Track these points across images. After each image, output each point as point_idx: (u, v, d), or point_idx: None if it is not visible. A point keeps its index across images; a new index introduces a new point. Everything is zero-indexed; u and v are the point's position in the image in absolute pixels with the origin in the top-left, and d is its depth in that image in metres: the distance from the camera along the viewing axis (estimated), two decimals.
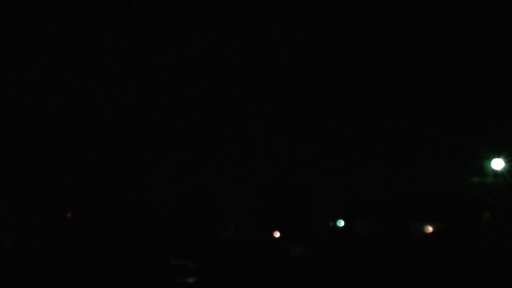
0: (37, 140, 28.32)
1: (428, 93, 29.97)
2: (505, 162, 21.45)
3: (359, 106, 32.40)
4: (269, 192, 36.08)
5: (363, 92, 32.06)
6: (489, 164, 21.75)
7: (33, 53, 29.96)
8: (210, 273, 16.41)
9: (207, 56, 34.97)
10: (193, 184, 34.38)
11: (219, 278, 14.73)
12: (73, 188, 28.88)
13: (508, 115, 25.94)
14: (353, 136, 32.46)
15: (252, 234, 34.06)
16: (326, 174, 33.89)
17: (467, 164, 24.14)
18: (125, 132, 30.09)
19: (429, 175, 27.80)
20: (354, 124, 32.53)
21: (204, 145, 32.84)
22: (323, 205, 34.48)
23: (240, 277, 13.79)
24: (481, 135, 25.22)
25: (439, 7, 28.56)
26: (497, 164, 21.51)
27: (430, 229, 7.69)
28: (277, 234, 35.10)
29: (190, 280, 14.76)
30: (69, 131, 29.00)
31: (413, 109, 30.99)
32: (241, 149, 34.74)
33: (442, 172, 26.92)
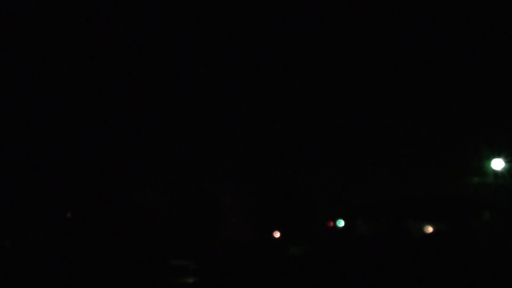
0: (37, 140, 28.33)
1: (428, 94, 30.00)
2: (505, 162, 21.47)
3: (359, 106, 32.42)
4: (269, 192, 36.10)
5: (364, 92, 32.10)
6: (489, 164, 21.77)
7: (32, 52, 29.97)
8: (210, 273, 16.44)
9: (205, 55, 34.99)
10: (193, 184, 34.39)
11: (219, 278, 14.75)
12: (73, 188, 28.89)
13: (508, 115, 25.95)
14: (353, 136, 32.47)
15: (252, 234, 34.07)
16: (327, 174, 33.88)
17: (467, 164, 24.15)
18: (125, 132, 30.11)
19: (429, 175, 27.80)
20: (354, 124, 32.55)
21: (205, 145, 32.83)
22: (323, 205, 34.48)
23: (240, 277, 13.81)
24: (481, 135, 25.22)
25: (439, 7, 28.57)
26: (497, 164, 21.53)
27: (430, 229, 7.70)
28: (277, 234, 35.11)
29: (190, 280, 14.78)
30: (69, 130, 29.00)
31: (414, 110, 31.01)
32: (241, 149, 34.73)
33: (442, 172, 26.92)
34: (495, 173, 21.74)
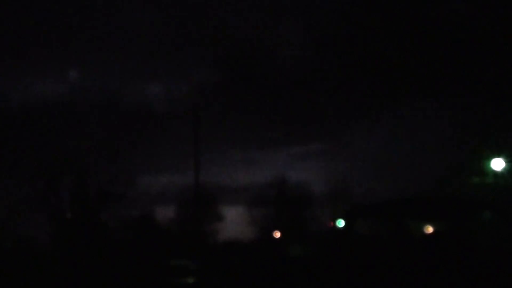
0: (37, 140, 28.32)
1: (428, 93, 30.01)
2: (505, 162, 21.48)
3: (359, 106, 32.46)
4: (269, 192, 36.11)
5: (364, 91, 32.12)
6: (489, 164, 21.77)
7: (33, 51, 29.98)
8: (210, 273, 16.43)
9: (204, 53, 35.03)
10: (192, 184, 34.34)
11: (219, 278, 14.75)
12: (72, 188, 28.88)
13: (508, 115, 25.94)
14: (353, 136, 32.51)
15: (252, 234, 34.10)
16: (327, 174, 33.91)
17: (467, 164, 24.15)
18: (125, 130, 30.08)
19: (429, 175, 27.81)
20: (354, 124, 32.59)
21: (204, 144, 32.82)
22: (323, 205, 34.51)
23: (240, 277, 13.81)
24: (481, 135, 25.22)
25: (439, 7, 28.60)
26: (497, 164, 21.53)
27: (430, 229, 7.71)
28: (277, 234, 35.11)
29: (190, 280, 14.79)
30: (69, 130, 28.98)
31: (413, 109, 31.04)
32: (241, 149, 34.76)
33: (442, 172, 26.92)
34: (495, 173, 21.75)
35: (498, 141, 23.00)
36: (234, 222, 35.00)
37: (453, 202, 7.69)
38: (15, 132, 28.27)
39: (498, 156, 21.59)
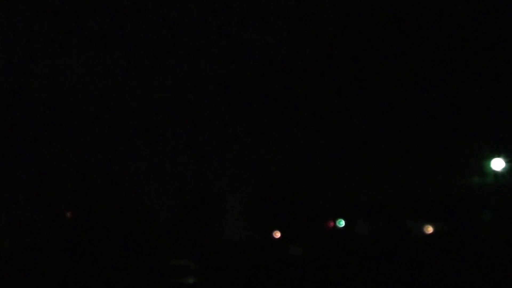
0: (36, 140, 28.31)
1: (428, 93, 29.97)
2: (505, 162, 21.44)
3: (359, 104, 32.42)
4: (269, 192, 36.08)
5: (364, 91, 32.08)
6: (489, 164, 21.74)
7: (34, 51, 29.92)
8: (210, 273, 16.44)
9: (205, 52, 35.03)
10: (192, 184, 34.36)
11: (219, 278, 14.75)
12: (72, 188, 28.86)
13: (508, 115, 25.91)
14: (353, 135, 32.45)
15: (252, 234, 34.03)
16: (327, 174, 33.87)
17: (467, 164, 24.11)
18: (124, 130, 30.08)
19: (429, 175, 27.78)
20: (354, 123, 32.54)
21: (204, 144, 32.81)
22: (323, 204, 34.45)
23: (240, 277, 13.81)
24: (481, 135, 25.18)
25: (439, 7, 28.57)
26: (497, 164, 21.50)
27: (430, 229, 7.72)
28: (277, 234, 35.07)
29: (190, 280, 14.78)
30: (68, 129, 28.97)
31: (413, 109, 30.99)
32: (241, 148, 34.70)
33: (442, 172, 26.89)
34: (495, 173, 21.72)
35: (498, 141, 22.97)
36: (234, 222, 34.98)
37: (453, 202, 7.70)
38: (15, 130, 28.25)
39: (498, 156, 21.57)
